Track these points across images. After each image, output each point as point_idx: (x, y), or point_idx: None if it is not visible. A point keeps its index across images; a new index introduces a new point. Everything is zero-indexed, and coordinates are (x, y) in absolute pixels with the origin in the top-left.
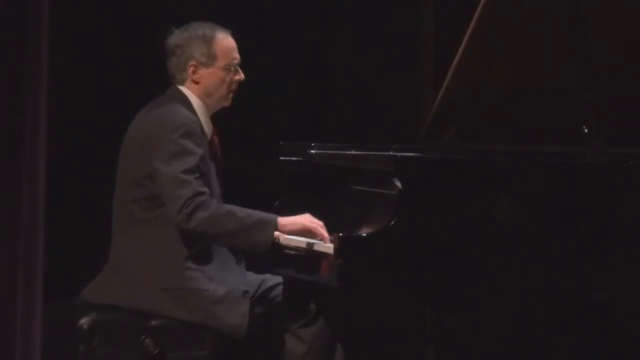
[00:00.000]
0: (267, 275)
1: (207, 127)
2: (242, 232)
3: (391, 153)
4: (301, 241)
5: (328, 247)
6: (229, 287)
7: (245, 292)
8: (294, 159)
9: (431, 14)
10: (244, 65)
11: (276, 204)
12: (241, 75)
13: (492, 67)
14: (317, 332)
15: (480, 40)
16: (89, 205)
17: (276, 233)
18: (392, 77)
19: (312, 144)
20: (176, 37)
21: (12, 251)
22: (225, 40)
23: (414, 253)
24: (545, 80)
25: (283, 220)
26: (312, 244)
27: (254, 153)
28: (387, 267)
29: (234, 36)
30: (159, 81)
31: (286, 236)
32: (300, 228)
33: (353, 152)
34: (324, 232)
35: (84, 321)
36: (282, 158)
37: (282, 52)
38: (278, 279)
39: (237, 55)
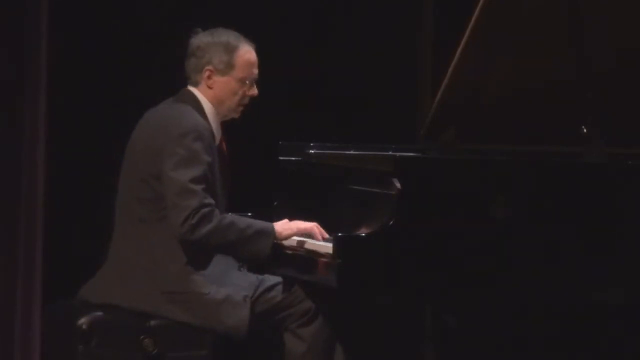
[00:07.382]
0: (267, 275)
1: (217, 133)
2: (242, 243)
3: (391, 153)
4: (296, 240)
5: (327, 246)
6: (230, 291)
7: (245, 297)
8: (293, 159)
9: (431, 14)
10: None
11: (275, 203)
12: (255, 91)
13: (491, 67)
14: (317, 331)
15: (479, 39)
16: (88, 206)
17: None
18: (391, 77)
19: (311, 144)
20: (199, 38)
21: (11, 251)
22: (247, 54)
23: (413, 253)
24: (545, 80)
25: (279, 228)
26: (303, 242)
27: (253, 153)
28: (386, 267)
29: (257, 51)
30: (159, 81)
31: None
32: (296, 232)
33: (352, 152)
34: (317, 232)
35: (83, 321)
36: (281, 158)
37: (282, 52)
38: (277, 279)
39: (255, 71)
